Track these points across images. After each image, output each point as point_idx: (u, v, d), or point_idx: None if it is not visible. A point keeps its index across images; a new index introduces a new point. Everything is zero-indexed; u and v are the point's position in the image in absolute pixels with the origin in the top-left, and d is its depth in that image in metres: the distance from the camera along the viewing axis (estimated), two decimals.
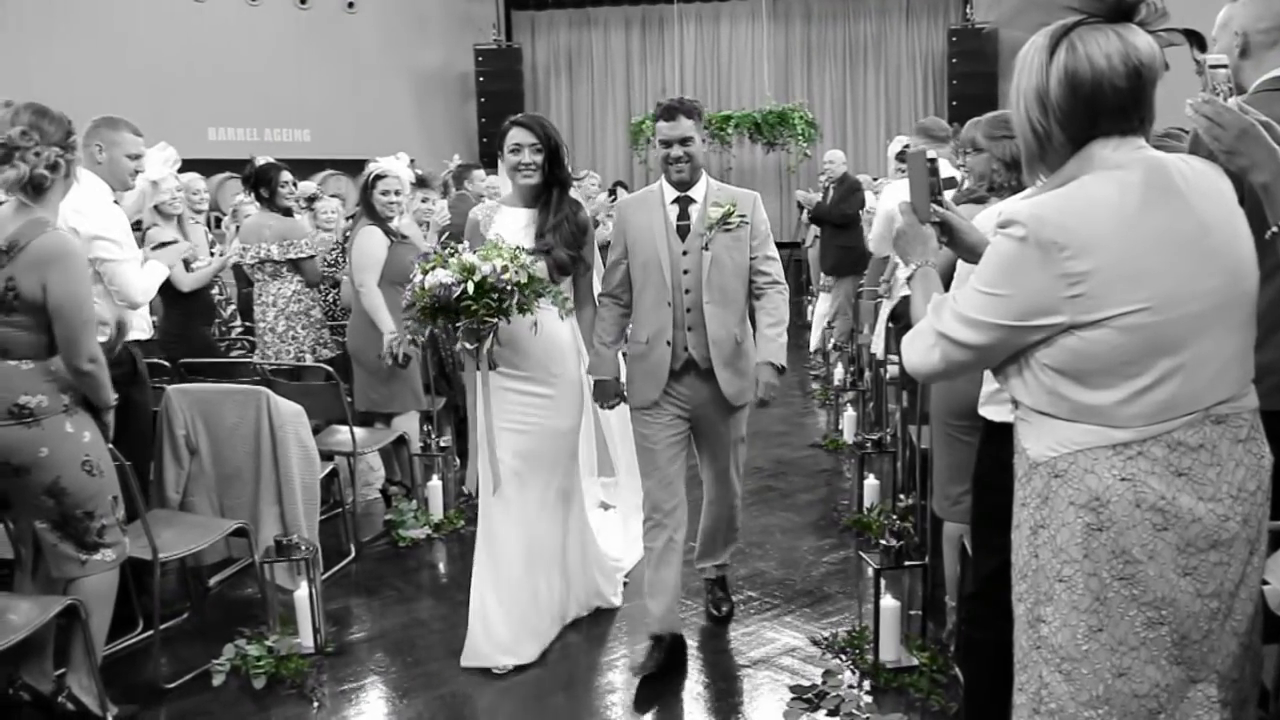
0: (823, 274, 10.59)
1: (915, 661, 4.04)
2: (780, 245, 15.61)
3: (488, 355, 4.07)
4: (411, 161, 6.54)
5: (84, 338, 3.56)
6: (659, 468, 4.20)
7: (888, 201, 6.27)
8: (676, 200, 4.19)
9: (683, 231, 4.16)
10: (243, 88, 13.85)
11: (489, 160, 12.82)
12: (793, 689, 3.96)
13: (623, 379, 4.46)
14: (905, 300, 4.62)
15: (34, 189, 3.55)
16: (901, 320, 4.65)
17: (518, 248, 4.02)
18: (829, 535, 5.67)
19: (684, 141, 4.10)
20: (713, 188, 4.22)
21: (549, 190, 4.32)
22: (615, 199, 9.51)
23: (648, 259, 4.17)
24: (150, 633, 4.28)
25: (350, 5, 15.19)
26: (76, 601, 3.61)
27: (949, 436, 3.89)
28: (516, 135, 4.28)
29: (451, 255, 3.94)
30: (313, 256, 6.14)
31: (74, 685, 3.76)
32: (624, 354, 4.51)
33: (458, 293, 3.83)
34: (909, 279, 2.38)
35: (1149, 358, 1.93)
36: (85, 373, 3.58)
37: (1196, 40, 2.16)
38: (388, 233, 5.85)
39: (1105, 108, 1.99)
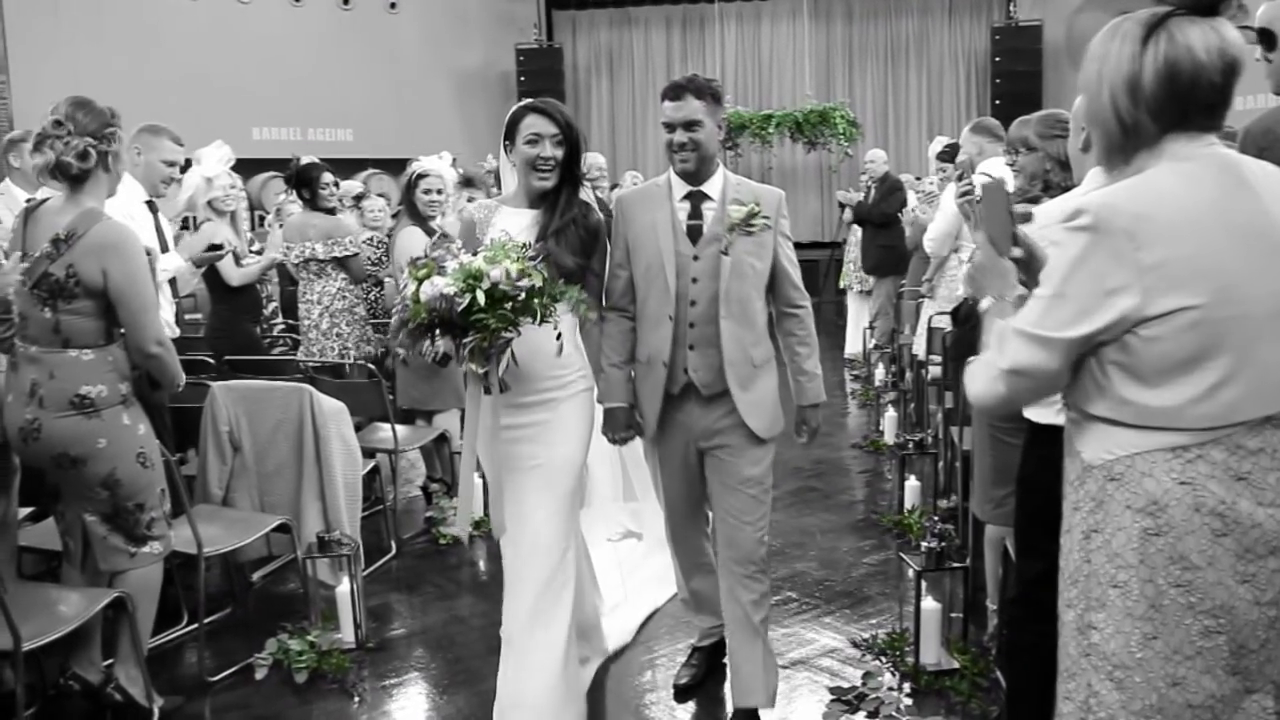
0: (862, 274, 10.55)
1: (956, 664, 4.01)
2: (821, 245, 15.49)
3: (501, 378, 3.37)
4: (454, 161, 6.58)
5: (147, 321, 3.64)
6: (674, 485, 3.82)
7: (949, 201, 6.19)
8: (688, 196, 3.61)
9: (693, 233, 3.59)
10: (286, 88, 13.99)
11: None
12: (832, 690, 3.94)
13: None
14: (966, 304, 4.48)
15: (67, 177, 3.61)
16: (964, 320, 4.53)
17: (523, 245, 3.35)
18: (869, 536, 5.65)
19: (690, 125, 3.51)
20: (731, 182, 3.64)
21: (559, 189, 3.60)
22: None
23: (650, 263, 3.61)
24: (194, 626, 4.34)
25: (392, 5, 15.28)
26: (124, 594, 3.66)
27: (993, 438, 3.86)
28: (535, 124, 3.52)
29: (448, 259, 3.31)
30: (357, 254, 6.19)
31: (121, 676, 3.82)
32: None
33: (464, 304, 3.17)
34: (984, 312, 2.28)
35: (1212, 355, 1.89)
36: (153, 355, 3.67)
37: (1266, 39, 2.13)
38: (429, 232, 5.89)
39: (1198, 101, 1.95)
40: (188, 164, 5.64)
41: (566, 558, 3.56)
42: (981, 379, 2.13)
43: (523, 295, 3.21)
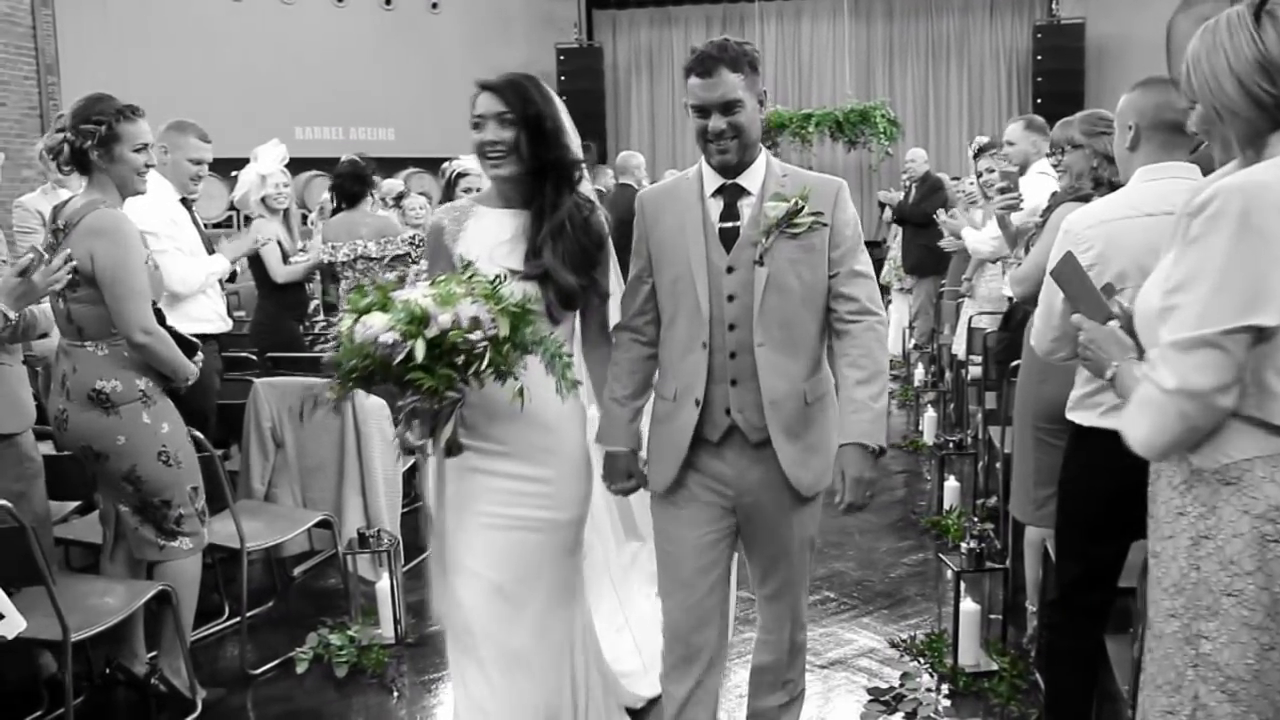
0: (901, 273, 10.50)
1: (995, 666, 3.99)
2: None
3: (448, 442, 2.62)
4: None
5: (129, 307, 3.61)
6: (684, 584, 2.91)
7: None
8: (720, 190, 2.84)
9: (728, 238, 2.81)
10: (329, 87, 14.11)
11: None
12: (870, 691, 3.93)
13: (643, 452, 3.01)
14: (1021, 309, 4.38)
15: (66, 164, 3.73)
16: (1016, 326, 4.43)
17: (498, 277, 2.66)
18: (908, 537, 5.62)
19: (728, 108, 2.72)
20: (775, 171, 2.84)
21: (541, 182, 2.90)
22: None
23: (679, 275, 2.83)
24: (237, 620, 4.39)
25: (434, 5, 15.37)
26: (169, 587, 3.71)
27: (1036, 439, 3.83)
28: (480, 104, 2.88)
29: (396, 287, 2.63)
30: (408, 253, 6.23)
31: (165, 668, 3.88)
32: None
33: (400, 355, 2.44)
34: (1112, 379, 2.15)
35: None
36: (139, 344, 3.64)
37: None
38: None
39: None
40: (225, 164, 5.72)
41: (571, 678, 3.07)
42: (1146, 419, 1.95)
43: (479, 349, 2.49)
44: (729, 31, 17.40)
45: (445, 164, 5.58)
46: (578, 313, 3.04)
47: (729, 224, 2.82)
